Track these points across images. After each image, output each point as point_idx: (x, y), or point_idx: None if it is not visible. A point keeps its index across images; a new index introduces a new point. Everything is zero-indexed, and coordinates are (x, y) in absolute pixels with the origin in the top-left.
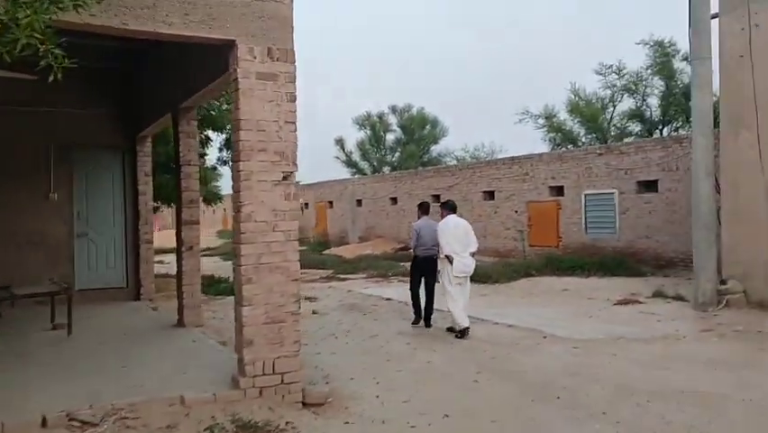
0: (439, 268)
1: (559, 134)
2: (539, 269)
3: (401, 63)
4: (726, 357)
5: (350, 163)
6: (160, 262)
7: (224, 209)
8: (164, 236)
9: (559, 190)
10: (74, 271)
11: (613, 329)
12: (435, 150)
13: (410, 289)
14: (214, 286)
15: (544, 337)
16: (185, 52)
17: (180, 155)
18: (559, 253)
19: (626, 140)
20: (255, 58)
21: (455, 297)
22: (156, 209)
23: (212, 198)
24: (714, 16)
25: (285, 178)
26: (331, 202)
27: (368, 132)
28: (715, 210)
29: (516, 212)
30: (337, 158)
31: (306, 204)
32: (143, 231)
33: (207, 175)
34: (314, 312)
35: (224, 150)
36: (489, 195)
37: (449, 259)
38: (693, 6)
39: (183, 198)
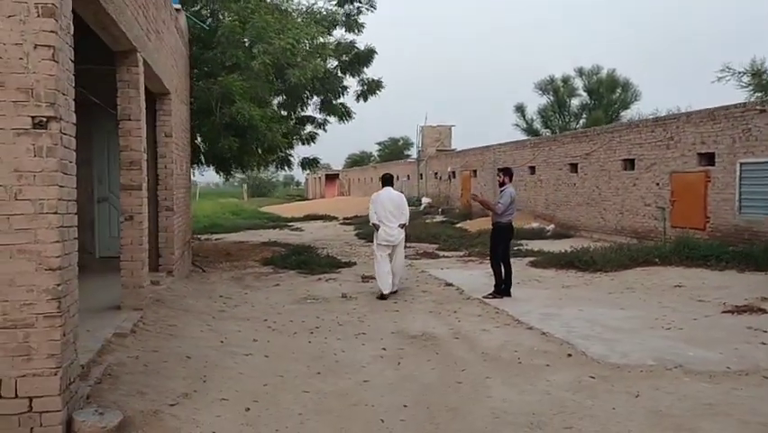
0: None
1: None
2: (665, 256)
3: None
4: None
5: (530, 131)
6: (298, 229)
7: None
8: (335, 203)
9: (709, 159)
10: (94, 238)
11: (680, 351)
12: (626, 115)
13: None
14: (289, 257)
15: (569, 355)
16: None
17: (119, 108)
18: (704, 236)
19: None
20: None
21: (380, 261)
22: (334, 176)
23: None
24: None
25: (37, 125)
26: (475, 171)
27: (551, 97)
28: None
29: (658, 185)
30: (517, 125)
31: (454, 172)
32: (162, 197)
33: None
34: (342, 296)
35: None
36: (629, 164)
37: (375, 227)
38: None
39: (122, 158)
